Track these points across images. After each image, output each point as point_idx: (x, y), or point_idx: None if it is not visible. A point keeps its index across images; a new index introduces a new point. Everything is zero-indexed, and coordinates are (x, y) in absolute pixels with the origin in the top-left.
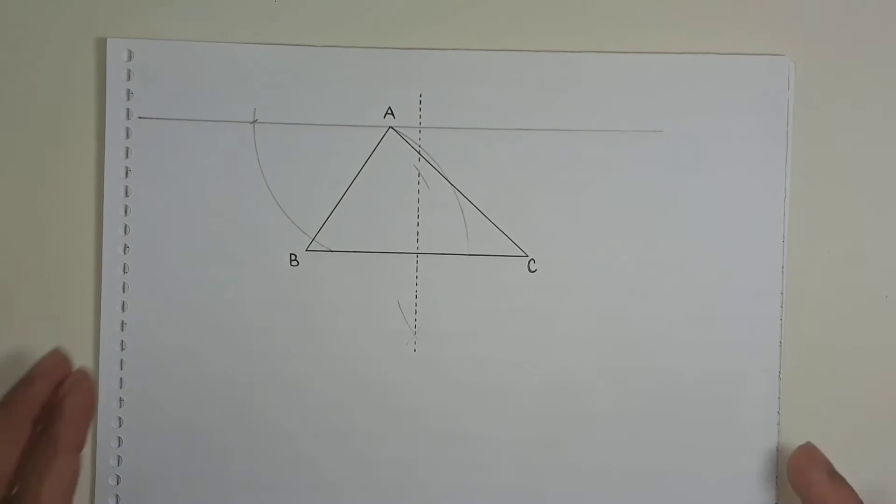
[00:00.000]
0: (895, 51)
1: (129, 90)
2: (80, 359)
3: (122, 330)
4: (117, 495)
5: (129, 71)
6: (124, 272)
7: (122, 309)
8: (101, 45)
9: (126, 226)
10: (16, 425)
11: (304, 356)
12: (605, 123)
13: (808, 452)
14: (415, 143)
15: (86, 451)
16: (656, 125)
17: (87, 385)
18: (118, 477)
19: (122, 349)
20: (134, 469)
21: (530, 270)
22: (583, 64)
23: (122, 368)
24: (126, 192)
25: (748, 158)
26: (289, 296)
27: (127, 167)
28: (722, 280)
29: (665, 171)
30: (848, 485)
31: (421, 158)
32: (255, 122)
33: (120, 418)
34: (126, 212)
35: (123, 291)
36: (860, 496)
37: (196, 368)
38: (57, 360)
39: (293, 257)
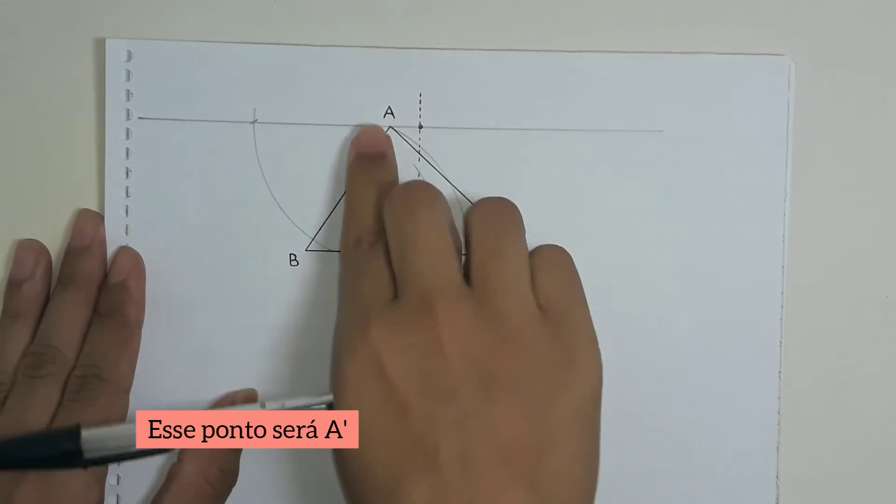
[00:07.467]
0: (895, 51)
1: (128, 90)
2: None
3: None
4: (118, 495)
5: (128, 71)
6: None
7: None
8: (101, 45)
9: (126, 226)
10: (81, 303)
11: (305, 356)
12: (606, 123)
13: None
14: (415, 142)
15: None
16: (656, 125)
17: (141, 265)
18: (118, 477)
19: None
20: (134, 469)
21: None
22: (583, 64)
23: None
24: (126, 193)
25: (748, 158)
26: (289, 296)
27: (127, 168)
28: (722, 280)
29: (665, 171)
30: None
31: (421, 158)
32: (255, 122)
33: None
34: (126, 212)
35: None
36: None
37: (196, 369)
38: (96, 221)
39: (293, 257)
